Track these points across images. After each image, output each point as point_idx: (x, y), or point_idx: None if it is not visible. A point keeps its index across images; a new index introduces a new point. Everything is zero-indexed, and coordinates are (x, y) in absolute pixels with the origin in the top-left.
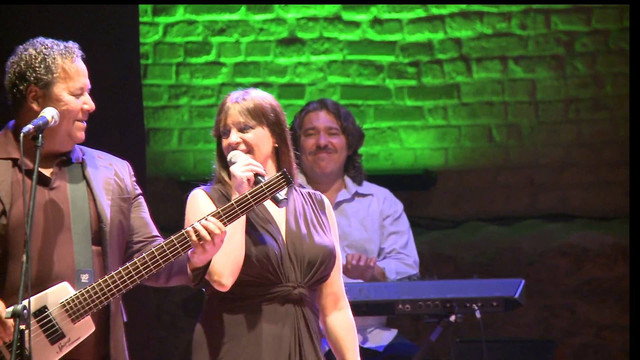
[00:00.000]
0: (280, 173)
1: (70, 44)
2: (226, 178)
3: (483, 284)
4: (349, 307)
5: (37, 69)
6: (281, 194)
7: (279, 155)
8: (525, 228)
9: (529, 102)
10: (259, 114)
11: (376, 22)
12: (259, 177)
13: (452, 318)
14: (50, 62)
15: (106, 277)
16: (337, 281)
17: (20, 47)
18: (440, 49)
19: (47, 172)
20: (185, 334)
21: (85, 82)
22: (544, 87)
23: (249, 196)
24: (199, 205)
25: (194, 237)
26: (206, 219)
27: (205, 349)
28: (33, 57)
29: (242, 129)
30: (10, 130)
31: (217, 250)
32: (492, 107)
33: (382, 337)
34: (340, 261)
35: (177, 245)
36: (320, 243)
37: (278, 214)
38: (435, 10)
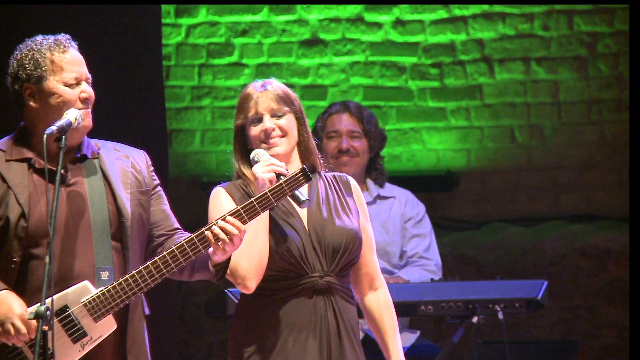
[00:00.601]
0: (299, 169)
1: (61, 36)
2: (247, 173)
3: (505, 285)
4: (386, 286)
5: (27, 66)
6: (303, 195)
7: (301, 142)
8: (547, 229)
9: (552, 103)
10: (287, 101)
11: (398, 23)
12: (281, 177)
13: (475, 319)
14: (38, 57)
15: (127, 275)
16: (370, 261)
17: (17, 47)
18: (463, 50)
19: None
20: (207, 335)
21: (80, 70)
22: (566, 88)
23: (269, 193)
24: (221, 203)
25: (212, 239)
26: (225, 220)
27: (238, 346)
28: (23, 55)
29: (276, 115)
30: (21, 131)
31: (237, 249)
32: (514, 108)
33: (404, 339)
34: (372, 240)
35: (198, 244)
36: (343, 227)
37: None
38: (457, 11)
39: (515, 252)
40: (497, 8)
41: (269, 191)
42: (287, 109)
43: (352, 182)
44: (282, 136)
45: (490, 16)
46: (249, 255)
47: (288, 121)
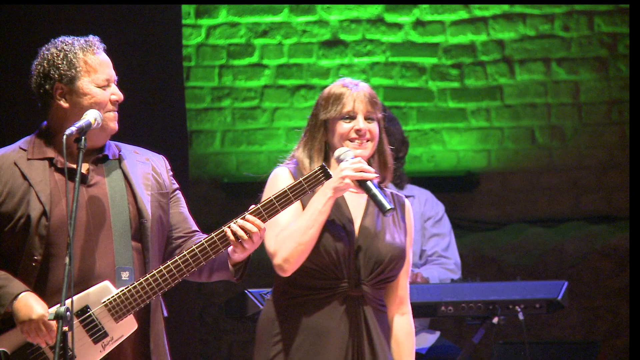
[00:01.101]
0: (319, 167)
1: (91, 37)
2: (306, 165)
3: (526, 286)
4: (411, 313)
5: (60, 65)
6: (389, 204)
7: (381, 151)
8: (568, 230)
9: (572, 104)
10: (378, 107)
11: (419, 24)
12: (370, 186)
13: (495, 320)
14: (72, 57)
15: (147, 275)
16: (403, 285)
17: (43, 48)
18: (483, 50)
19: (83, 169)
20: (227, 336)
21: (110, 73)
22: (587, 89)
23: (288, 192)
24: (280, 184)
25: (231, 237)
26: (244, 218)
27: (264, 341)
28: (55, 55)
29: (369, 117)
30: (44, 130)
31: (256, 247)
32: (535, 109)
33: (425, 339)
34: (409, 266)
35: (218, 242)
36: (392, 243)
37: (357, 209)
38: (478, 12)
39: (536, 252)
40: (518, 9)
41: (289, 189)
42: (377, 114)
43: (407, 204)
44: (369, 140)
45: (511, 17)
46: (298, 241)
47: (377, 127)
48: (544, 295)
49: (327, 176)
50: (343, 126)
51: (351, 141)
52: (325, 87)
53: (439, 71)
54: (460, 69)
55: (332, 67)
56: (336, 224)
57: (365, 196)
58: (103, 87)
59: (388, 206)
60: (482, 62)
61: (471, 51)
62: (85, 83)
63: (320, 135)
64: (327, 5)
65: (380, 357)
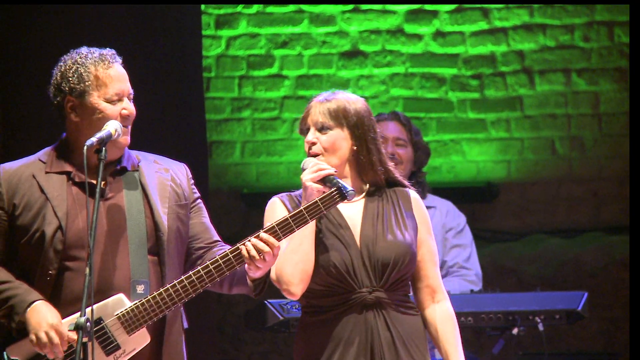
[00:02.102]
0: (334, 189)
1: (107, 50)
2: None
3: (546, 297)
4: (448, 299)
5: (70, 79)
6: (347, 187)
7: (356, 157)
8: (588, 241)
9: (592, 115)
10: (339, 116)
11: (439, 34)
12: (330, 178)
13: (515, 331)
14: (82, 71)
15: (161, 289)
16: (431, 274)
17: (61, 58)
18: (503, 61)
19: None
20: (247, 347)
21: (122, 87)
22: (607, 100)
23: (304, 211)
24: (275, 214)
25: (245, 255)
26: (258, 237)
27: (296, 354)
28: (67, 67)
29: (320, 129)
30: (63, 142)
31: (270, 266)
32: (555, 120)
33: None
34: (433, 254)
35: (232, 260)
36: (394, 242)
37: (354, 218)
38: (498, 22)
39: (556, 263)
40: (538, 19)
41: (304, 209)
42: (333, 123)
43: (413, 195)
44: (322, 152)
45: (531, 27)
46: (293, 261)
47: (332, 137)
48: (564, 306)
49: (343, 197)
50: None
51: (309, 154)
52: None
53: (458, 82)
54: (480, 80)
55: (351, 78)
56: (333, 240)
57: (360, 203)
58: (113, 102)
59: (348, 189)
60: (502, 73)
61: (491, 62)
62: (94, 97)
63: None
64: (347, 15)
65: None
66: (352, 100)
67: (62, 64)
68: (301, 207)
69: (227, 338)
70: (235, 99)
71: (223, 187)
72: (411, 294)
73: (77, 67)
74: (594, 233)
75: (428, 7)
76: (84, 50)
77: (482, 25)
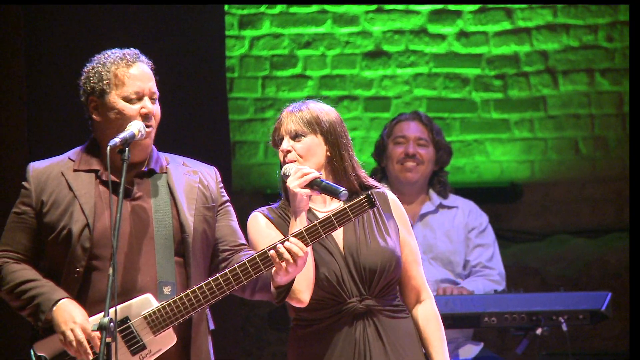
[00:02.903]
0: (364, 196)
1: (129, 50)
2: (285, 195)
3: (569, 297)
4: (433, 298)
5: (91, 79)
6: (340, 188)
7: (330, 163)
8: (612, 241)
9: (616, 115)
10: (312, 123)
11: (462, 34)
12: (318, 181)
13: (539, 331)
14: (102, 71)
15: (188, 291)
16: (415, 274)
17: (89, 60)
18: (527, 61)
19: (127, 182)
20: (270, 347)
21: (142, 86)
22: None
23: (332, 218)
24: (260, 229)
25: (276, 259)
26: (289, 241)
27: None
28: (91, 68)
29: (294, 137)
30: (92, 142)
31: (300, 270)
32: (578, 120)
33: (469, 351)
34: (415, 253)
35: (260, 264)
36: (378, 248)
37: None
38: (521, 22)
39: (579, 263)
40: (561, 19)
41: (333, 216)
42: (306, 130)
43: (391, 196)
44: (299, 158)
45: (554, 27)
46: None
47: (306, 144)
48: (588, 306)
49: (372, 205)
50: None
51: (283, 162)
52: (369, 98)
53: (482, 82)
54: (503, 80)
55: (375, 78)
56: (321, 251)
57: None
58: (132, 101)
59: (340, 189)
60: (525, 73)
61: (514, 62)
62: (113, 97)
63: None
64: (371, 15)
65: None
66: (323, 108)
67: (88, 65)
68: (330, 214)
69: (250, 338)
70: (258, 99)
71: (246, 187)
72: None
73: (98, 67)
74: (618, 233)
75: (451, 7)
76: (109, 51)
77: (506, 25)
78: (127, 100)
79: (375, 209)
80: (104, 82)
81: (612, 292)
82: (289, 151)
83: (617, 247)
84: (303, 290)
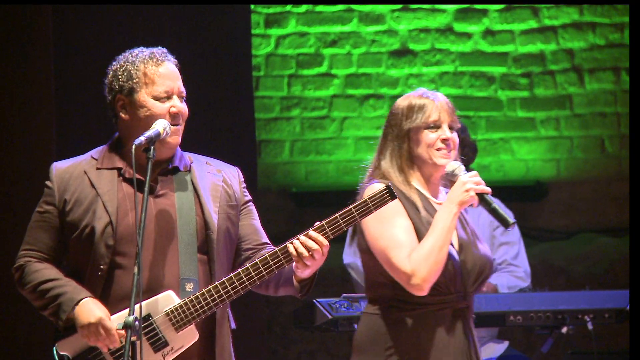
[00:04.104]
0: (384, 187)
1: (158, 49)
2: (395, 176)
3: (595, 296)
4: None
5: (120, 77)
6: (511, 217)
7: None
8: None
9: None
10: (456, 115)
11: (488, 33)
12: (489, 200)
13: (564, 330)
14: (131, 69)
15: (210, 287)
16: None
17: (115, 59)
18: (553, 59)
19: (151, 180)
20: (295, 346)
21: (172, 85)
22: None
23: (354, 210)
24: (390, 204)
25: (294, 253)
26: (307, 235)
27: (374, 355)
28: (118, 67)
29: (451, 127)
30: (115, 141)
31: (320, 264)
32: (604, 118)
33: (493, 349)
34: None
35: (281, 258)
36: (485, 254)
37: None
38: (547, 21)
39: (605, 262)
40: (587, 18)
41: (354, 207)
42: (458, 124)
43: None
44: (452, 149)
45: (580, 26)
46: (435, 260)
47: (457, 137)
48: (613, 305)
49: (393, 196)
50: (429, 136)
51: (438, 150)
52: (395, 96)
53: (508, 80)
54: (529, 78)
55: (400, 77)
56: None
57: None
58: (162, 100)
59: (511, 220)
60: (551, 72)
61: (540, 60)
62: (142, 95)
63: (406, 145)
64: (397, 14)
65: None
66: None
67: (114, 63)
68: (350, 206)
69: (275, 337)
70: (284, 97)
71: (272, 186)
72: None
73: (127, 66)
74: None
75: (477, 5)
76: (136, 49)
77: (532, 23)
78: (157, 99)
79: (467, 216)
80: (134, 80)
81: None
82: (448, 139)
83: None
84: (431, 281)
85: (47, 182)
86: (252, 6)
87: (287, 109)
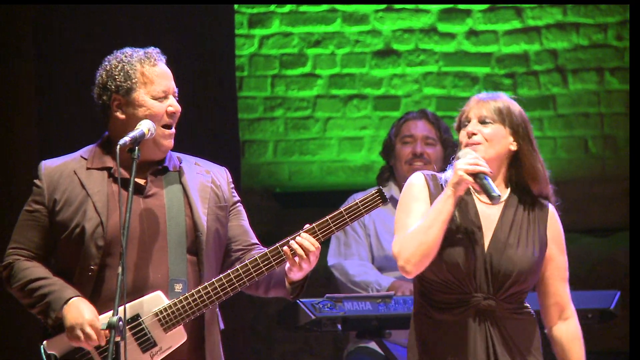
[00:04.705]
0: (375, 190)
1: (151, 49)
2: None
3: (578, 296)
4: (576, 316)
5: (116, 77)
6: (496, 190)
7: (517, 158)
8: (621, 240)
9: (626, 114)
10: (502, 112)
11: (472, 33)
12: (481, 176)
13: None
14: (129, 69)
15: (199, 287)
16: (560, 291)
17: (105, 59)
18: (536, 60)
19: (141, 180)
20: (279, 346)
21: (168, 85)
22: None
23: (344, 212)
24: (413, 191)
25: (290, 254)
26: (301, 236)
27: (411, 350)
28: (113, 66)
29: (483, 122)
30: (105, 140)
31: (312, 267)
32: (588, 119)
33: None
34: (563, 270)
35: (271, 260)
36: (520, 256)
37: (490, 220)
38: (531, 21)
39: (588, 262)
40: (571, 18)
41: (344, 210)
42: (496, 118)
43: (551, 209)
44: (480, 143)
45: (564, 26)
46: (418, 240)
47: (493, 131)
48: (597, 305)
49: (384, 200)
50: (461, 133)
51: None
52: (379, 97)
53: (491, 81)
54: (513, 79)
55: (384, 77)
56: (463, 238)
57: (499, 207)
58: (160, 99)
59: (495, 192)
60: (535, 72)
61: (524, 61)
62: (141, 95)
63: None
64: (380, 14)
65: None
66: (515, 103)
67: (106, 64)
68: (341, 209)
69: (259, 337)
70: (268, 98)
71: (255, 186)
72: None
73: (124, 65)
74: (627, 232)
75: (461, 6)
76: (128, 49)
77: (515, 24)
78: (155, 98)
79: (531, 216)
80: (132, 80)
81: (621, 291)
82: (474, 133)
83: (627, 246)
84: (413, 263)
85: (36, 181)
86: (236, 6)
87: (270, 109)
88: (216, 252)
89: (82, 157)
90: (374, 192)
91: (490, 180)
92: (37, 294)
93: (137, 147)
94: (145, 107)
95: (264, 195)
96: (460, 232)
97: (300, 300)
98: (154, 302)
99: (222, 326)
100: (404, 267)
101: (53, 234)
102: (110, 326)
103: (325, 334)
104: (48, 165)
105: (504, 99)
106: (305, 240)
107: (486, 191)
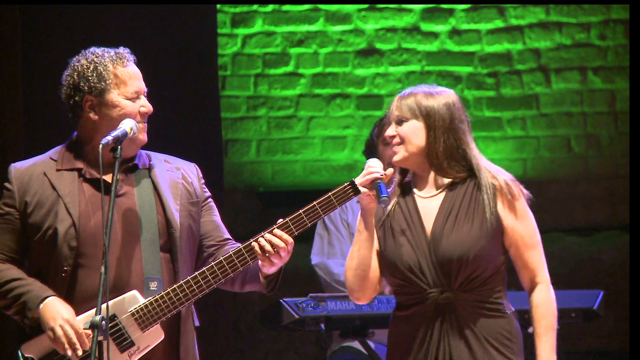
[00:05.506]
0: (347, 183)
1: (122, 49)
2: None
3: (562, 295)
4: (547, 282)
5: (89, 78)
6: (384, 192)
7: (431, 149)
8: (604, 239)
9: (608, 113)
10: (413, 107)
11: (455, 32)
12: (375, 182)
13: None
14: (101, 70)
15: (175, 286)
16: (527, 257)
17: (74, 59)
18: (519, 59)
19: (111, 179)
20: (263, 345)
21: (140, 85)
22: (623, 98)
23: (317, 206)
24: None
25: (259, 251)
26: (272, 232)
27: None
28: (85, 67)
29: (399, 122)
30: (74, 141)
31: (285, 261)
32: (571, 118)
33: None
34: (528, 237)
35: (246, 255)
36: (460, 239)
37: (430, 213)
38: (514, 21)
39: (572, 262)
40: (554, 17)
41: (317, 203)
42: (408, 115)
43: (501, 183)
44: (400, 143)
45: (547, 26)
46: (352, 267)
47: (408, 127)
48: (580, 305)
49: (356, 192)
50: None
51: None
52: (361, 96)
53: (474, 80)
54: (496, 78)
55: (367, 76)
56: (401, 238)
57: (437, 200)
58: (132, 100)
59: (382, 196)
60: (518, 71)
61: (507, 60)
62: (114, 95)
63: None
64: (363, 14)
65: None
66: (430, 92)
67: (76, 64)
68: (314, 202)
69: (243, 337)
70: (250, 97)
71: (239, 185)
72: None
73: (96, 66)
74: (610, 231)
75: (444, 5)
76: (97, 49)
77: (498, 23)
78: (128, 99)
79: (473, 196)
80: (106, 81)
81: (605, 291)
82: (393, 136)
83: (610, 245)
84: (357, 290)
85: (7, 184)
86: (219, 6)
87: (253, 108)
88: (190, 248)
89: (51, 158)
90: (346, 184)
91: (383, 185)
92: (12, 294)
93: (119, 147)
94: (119, 107)
95: (247, 195)
96: (404, 232)
97: (284, 299)
98: (130, 301)
99: (197, 323)
100: (351, 295)
101: (26, 237)
102: (93, 326)
103: (308, 333)
104: (18, 168)
105: (415, 92)
106: (274, 237)
107: (377, 197)
